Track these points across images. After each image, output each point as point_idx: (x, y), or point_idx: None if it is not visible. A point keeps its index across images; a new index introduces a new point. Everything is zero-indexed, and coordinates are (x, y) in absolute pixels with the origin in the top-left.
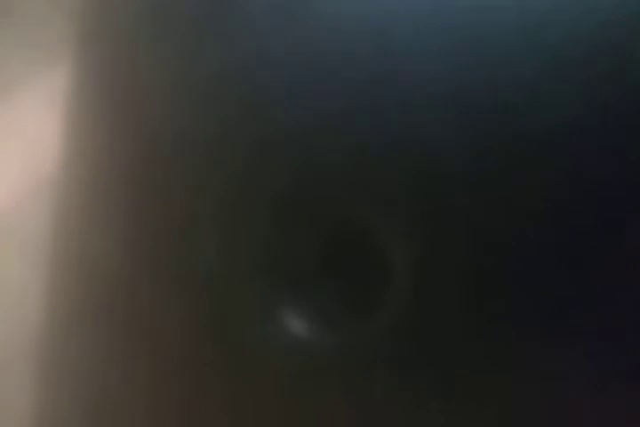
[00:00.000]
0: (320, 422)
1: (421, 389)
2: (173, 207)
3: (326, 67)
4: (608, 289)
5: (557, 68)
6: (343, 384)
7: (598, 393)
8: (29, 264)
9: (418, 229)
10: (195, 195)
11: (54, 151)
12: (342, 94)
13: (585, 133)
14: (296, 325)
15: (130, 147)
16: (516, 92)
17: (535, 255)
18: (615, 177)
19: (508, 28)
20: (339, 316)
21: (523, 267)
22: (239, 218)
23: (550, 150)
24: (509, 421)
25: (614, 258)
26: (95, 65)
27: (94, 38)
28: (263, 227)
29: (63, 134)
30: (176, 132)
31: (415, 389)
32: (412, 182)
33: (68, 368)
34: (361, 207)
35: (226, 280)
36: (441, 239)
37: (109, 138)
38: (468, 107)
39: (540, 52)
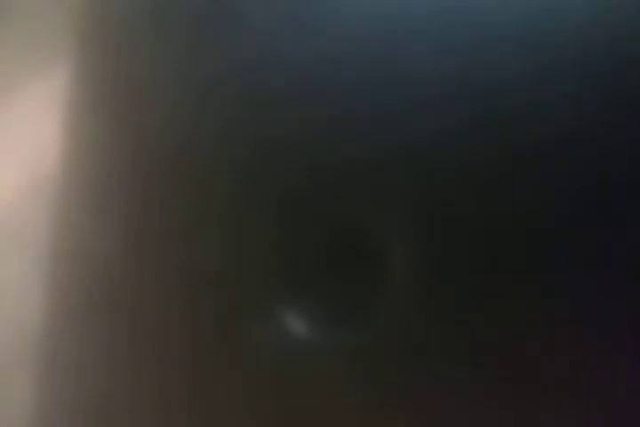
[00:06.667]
0: (322, 422)
1: (422, 389)
2: (175, 207)
3: (327, 68)
4: (612, 290)
5: (558, 70)
6: (347, 385)
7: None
8: (29, 264)
9: (419, 231)
10: (196, 195)
11: (54, 151)
12: (344, 96)
13: (588, 136)
14: (300, 326)
15: (130, 147)
16: (517, 94)
17: (537, 256)
18: (616, 177)
19: (509, 29)
20: (343, 317)
21: (526, 267)
22: (242, 218)
23: (552, 152)
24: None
25: (618, 258)
26: (95, 65)
27: (94, 38)
28: (267, 227)
29: (63, 134)
30: (177, 131)
31: (416, 389)
32: (414, 184)
33: (70, 369)
34: (362, 209)
35: (228, 280)
36: (442, 241)
37: (110, 138)
38: (469, 109)
39: (541, 54)
